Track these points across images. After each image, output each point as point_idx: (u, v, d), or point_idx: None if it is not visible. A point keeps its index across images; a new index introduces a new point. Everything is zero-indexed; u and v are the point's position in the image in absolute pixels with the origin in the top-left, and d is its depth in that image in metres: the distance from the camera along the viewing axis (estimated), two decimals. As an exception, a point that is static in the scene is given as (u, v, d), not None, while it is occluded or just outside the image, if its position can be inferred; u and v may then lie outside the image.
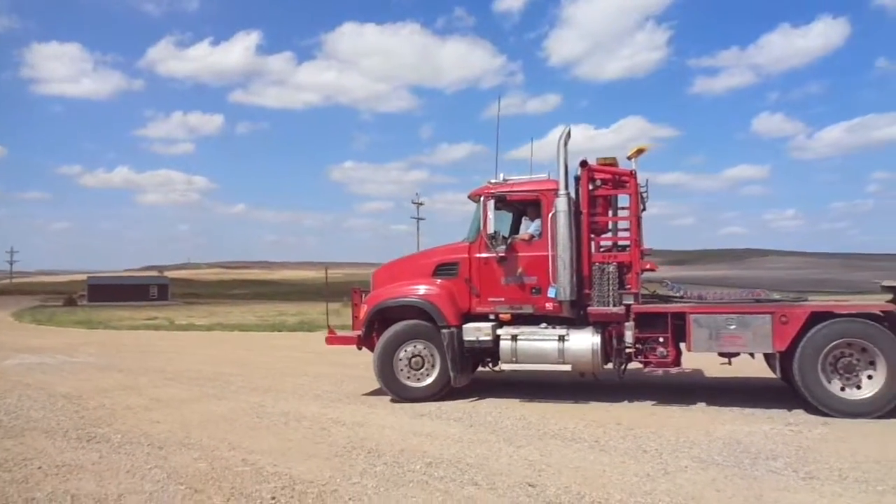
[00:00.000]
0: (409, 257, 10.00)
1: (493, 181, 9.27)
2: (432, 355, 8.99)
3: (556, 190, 8.68)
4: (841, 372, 7.64)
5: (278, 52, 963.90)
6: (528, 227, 9.23)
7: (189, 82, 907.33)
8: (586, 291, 8.68)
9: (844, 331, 7.67)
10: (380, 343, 9.14)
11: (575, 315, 8.73)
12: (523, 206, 9.38)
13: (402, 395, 8.93)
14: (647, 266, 8.86)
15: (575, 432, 7.00)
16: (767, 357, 8.43)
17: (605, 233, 9.32)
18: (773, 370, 8.45)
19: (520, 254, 8.88)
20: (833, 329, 7.69)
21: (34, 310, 54.32)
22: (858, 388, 7.61)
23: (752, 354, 8.52)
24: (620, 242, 9.14)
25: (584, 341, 8.50)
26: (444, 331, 8.85)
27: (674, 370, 8.41)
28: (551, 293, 8.62)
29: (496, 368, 9.40)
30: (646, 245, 8.89)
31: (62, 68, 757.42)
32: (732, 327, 7.99)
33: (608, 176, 9.04)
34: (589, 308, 8.65)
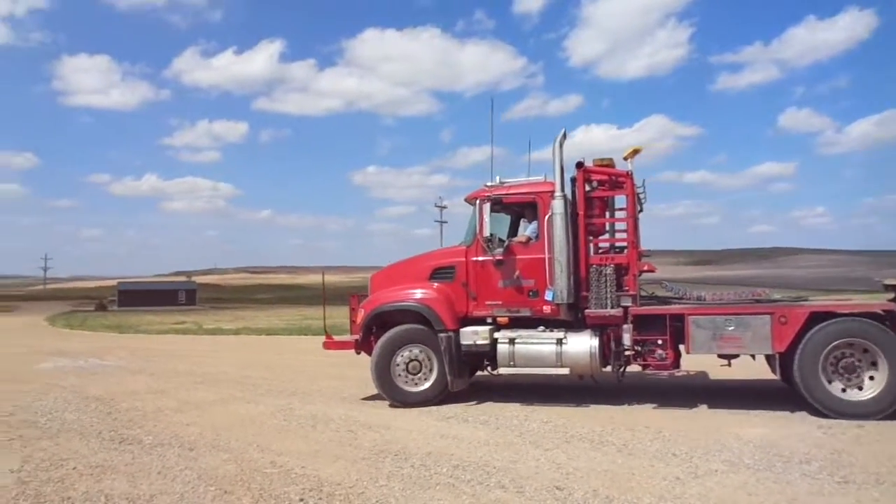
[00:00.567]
0: (407, 261, 9.88)
1: (489, 184, 9.19)
2: (430, 359, 8.95)
3: (553, 192, 8.61)
4: (842, 373, 7.51)
5: (300, 60, 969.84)
6: (526, 230, 9.18)
7: (214, 91, 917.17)
8: (584, 294, 8.61)
9: (845, 331, 7.54)
10: (377, 347, 9.11)
11: (573, 318, 8.68)
12: (520, 208, 9.33)
13: (400, 399, 8.89)
14: (646, 267, 8.79)
15: (602, 435, 6.95)
16: (768, 358, 8.33)
17: (602, 234, 9.26)
18: (774, 371, 8.34)
19: (517, 256, 8.83)
20: (833, 329, 7.57)
21: (67, 315, 55.48)
22: (860, 389, 7.47)
23: (752, 356, 8.42)
24: (618, 244, 9.08)
25: (583, 344, 8.42)
26: (441, 335, 8.80)
27: (676, 372, 8.36)
28: (549, 296, 8.56)
29: (494, 372, 9.29)
30: (643, 246, 8.85)
31: (91, 80, 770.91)
32: (731, 328, 7.90)
33: (605, 177, 8.96)
34: (587, 311, 8.58)
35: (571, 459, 6.04)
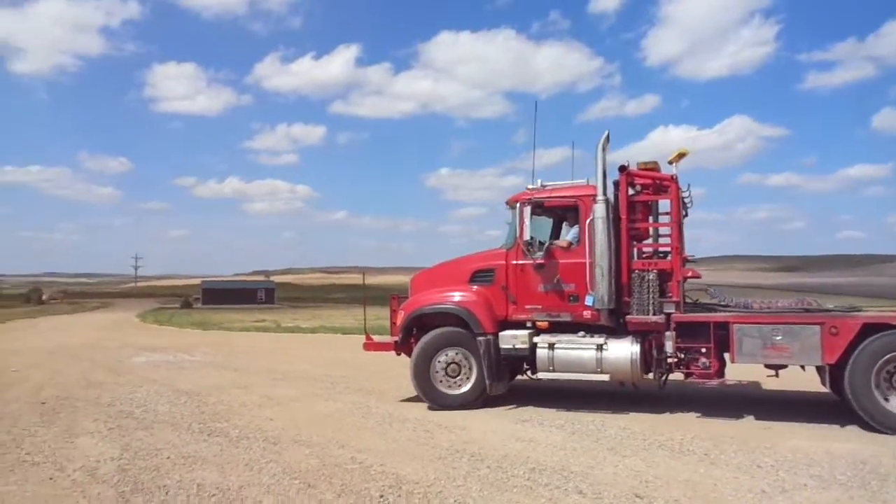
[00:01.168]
0: (447, 263, 9.85)
1: (530, 187, 9.09)
2: (469, 363, 8.92)
3: (595, 195, 8.44)
4: None
5: (376, 64, 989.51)
6: (567, 234, 9.03)
7: (293, 96, 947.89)
8: (625, 299, 8.42)
9: None
10: (416, 350, 9.14)
11: (614, 324, 8.49)
12: (562, 211, 9.18)
13: (439, 402, 8.88)
14: (690, 273, 8.51)
15: (682, 444, 6.78)
16: (818, 370, 7.97)
17: (645, 239, 9.05)
18: (824, 383, 7.95)
19: (557, 261, 8.70)
20: (887, 341, 7.18)
21: (156, 311, 58.43)
22: None
23: (802, 367, 8.05)
24: (661, 249, 8.85)
25: (623, 351, 8.26)
26: (480, 338, 8.76)
27: (727, 381, 8.15)
28: (589, 301, 8.40)
29: (533, 377, 9.16)
30: (688, 252, 8.62)
31: (180, 87, 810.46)
32: (779, 338, 7.58)
33: (648, 181, 8.77)
34: (628, 316, 8.39)
35: (650, 467, 5.94)
